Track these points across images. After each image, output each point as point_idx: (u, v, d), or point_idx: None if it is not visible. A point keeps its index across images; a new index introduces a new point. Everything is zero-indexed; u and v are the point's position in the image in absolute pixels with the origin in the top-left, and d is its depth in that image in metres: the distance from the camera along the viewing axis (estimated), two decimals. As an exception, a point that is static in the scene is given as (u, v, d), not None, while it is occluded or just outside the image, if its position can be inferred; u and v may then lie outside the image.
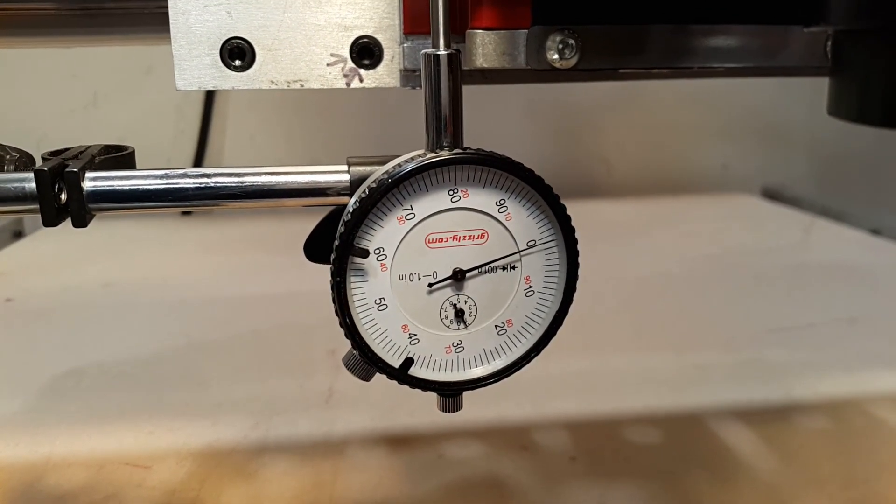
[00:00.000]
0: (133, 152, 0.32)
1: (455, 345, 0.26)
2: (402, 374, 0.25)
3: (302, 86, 0.33)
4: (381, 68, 0.33)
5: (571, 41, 0.27)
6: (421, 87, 0.29)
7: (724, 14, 0.28)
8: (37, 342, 0.75)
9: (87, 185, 0.28)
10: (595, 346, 0.73)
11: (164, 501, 0.49)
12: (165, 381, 0.66)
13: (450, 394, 0.27)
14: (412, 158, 0.24)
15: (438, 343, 0.26)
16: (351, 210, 0.25)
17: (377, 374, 0.27)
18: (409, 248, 0.25)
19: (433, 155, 0.24)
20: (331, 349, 0.70)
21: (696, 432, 0.58)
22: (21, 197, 0.28)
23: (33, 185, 0.28)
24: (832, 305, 0.85)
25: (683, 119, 1.26)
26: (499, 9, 0.27)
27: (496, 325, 0.27)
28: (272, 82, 0.33)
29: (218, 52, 0.32)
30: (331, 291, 0.25)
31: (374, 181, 0.24)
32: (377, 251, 0.25)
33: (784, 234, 1.15)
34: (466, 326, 0.26)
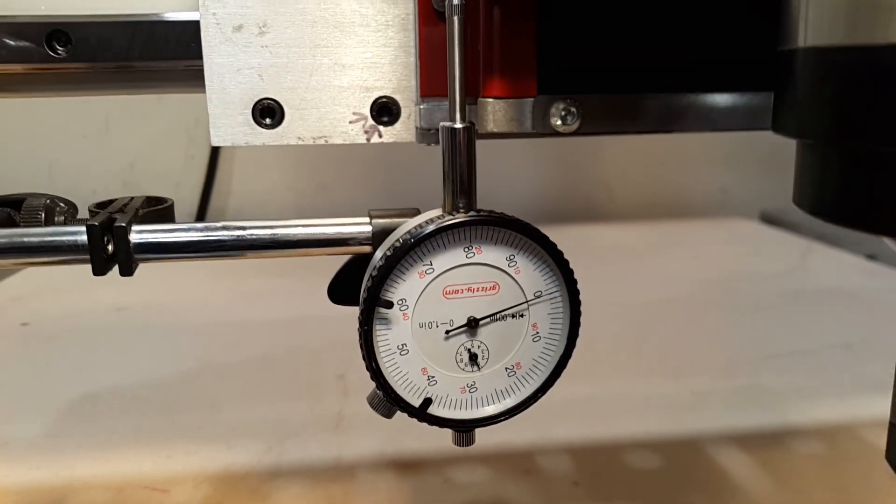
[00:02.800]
0: (172, 205, 0.35)
1: (469, 385, 0.29)
2: (421, 413, 0.29)
3: (326, 141, 0.36)
4: (398, 125, 0.36)
5: (573, 109, 0.31)
6: (436, 144, 0.32)
7: (711, 83, 0.31)
8: (53, 366, 0.78)
9: (134, 237, 0.31)
10: (596, 371, 0.76)
11: (183, 524, 0.51)
12: (179, 405, 0.69)
13: (464, 430, 0.30)
14: (431, 220, 0.28)
15: (454, 384, 0.29)
16: (377, 266, 0.28)
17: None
18: (428, 299, 0.28)
19: (451, 217, 0.27)
20: (340, 374, 0.73)
21: (694, 457, 0.61)
22: (73, 248, 0.31)
23: (85, 238, 0.31)
24: (829, 331, 0.88)
25: (684, 145, 1.30)
26: (508, 80, 0.30)
27: (506, 368, 0.30)
28: (299, 138, 0.36)
29: (250, 111, 0.35)
30: (358, 338, 0.28)
31: (398, 240, 0.27)
32: (400, 302, 0.28)
33: (782, 259, 1.18)
34: (479, 369, 0.29)
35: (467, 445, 0.30)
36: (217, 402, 0.69)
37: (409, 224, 0.29)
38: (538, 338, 0.29)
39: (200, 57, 0.37)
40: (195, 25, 0.37)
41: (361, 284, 0.32)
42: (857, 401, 0.72)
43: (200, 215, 1.16)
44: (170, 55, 0.39)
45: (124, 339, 0.86)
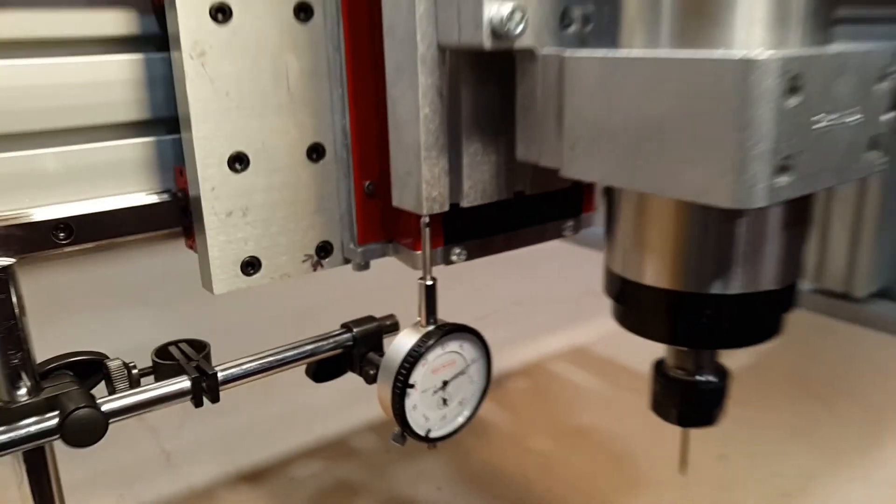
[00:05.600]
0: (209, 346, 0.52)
1: (444, 416, 0.54)
2: (426, 439, 0.53)
3: (289, 277, 0.55)
4: (333, 258, 0.57)
5: (462, 250, 0.56)
6: (366, 270, 0.55)
7: (536, 219, 0.59)
8: None
9: (221, 375, 0.49)
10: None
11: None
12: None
13: (440, 440, 0.54)
14: (427, 336, 0.51)
15: (436, 415, 0.54)
16: (403, 371, 0.50)
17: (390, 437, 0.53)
18: (426, 376, 0.52)
19: (436, 332, 0.51)
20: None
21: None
22: (180, 394, 0.47)
23: (188, 384, 0.47)
24: (505, 292, 1.24)
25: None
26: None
27: (459, 402, 0.55)
28: (272, 278, 0.54)
29: (239, 266, 0.53)
30: (392, 411, 0.50)
31: (411, 354, 0.50)
32: (413, 383, 0.51)
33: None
34: (448, 406, 0.54)
35: (433, 448, 0.55)
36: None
37: (409, 339, 0.51)
38: (473, 382, 0.55)
39: (175, 226, 0.53)
40: (168, 206, 0.53)
41: (336, 367, 0.55)
42: (538, 342, 1.09)
43: None
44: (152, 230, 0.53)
45: None
